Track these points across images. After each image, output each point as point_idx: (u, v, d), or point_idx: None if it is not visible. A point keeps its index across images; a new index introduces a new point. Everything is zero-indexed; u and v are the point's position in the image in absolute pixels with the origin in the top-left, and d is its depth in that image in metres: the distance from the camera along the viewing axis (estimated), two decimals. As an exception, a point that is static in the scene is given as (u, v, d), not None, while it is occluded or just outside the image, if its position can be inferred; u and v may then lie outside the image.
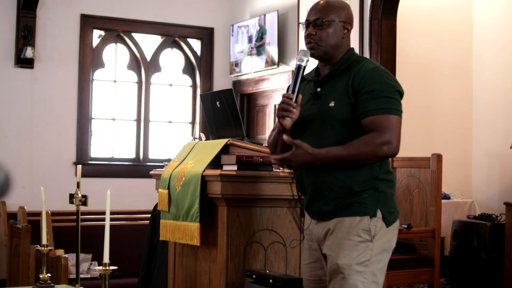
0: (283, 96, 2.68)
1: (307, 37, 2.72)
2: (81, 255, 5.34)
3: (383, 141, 2.56)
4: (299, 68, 2.71)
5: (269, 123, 7.47)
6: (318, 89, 2.71)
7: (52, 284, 3.28)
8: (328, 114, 2.64)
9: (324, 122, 2.65)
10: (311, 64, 2.73)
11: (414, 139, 6.84)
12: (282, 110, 2.66)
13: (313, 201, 2.71)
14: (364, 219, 2.62)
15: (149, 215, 4.63)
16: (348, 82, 2.65)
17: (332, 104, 2.64)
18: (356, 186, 2.61)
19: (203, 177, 3.20)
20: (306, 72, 2.77)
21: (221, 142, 3.34)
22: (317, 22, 2.69)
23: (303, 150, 2.57)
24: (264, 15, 7.28)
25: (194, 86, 8.00)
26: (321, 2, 2.74)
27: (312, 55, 2.73)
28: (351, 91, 2.63)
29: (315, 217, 2.73)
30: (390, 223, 2.66)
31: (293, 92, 2.67)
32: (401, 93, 2.65)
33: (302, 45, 6.84)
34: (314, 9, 2.73)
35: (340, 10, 2.71)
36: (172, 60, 7.93)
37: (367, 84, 2.61)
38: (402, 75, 6.44)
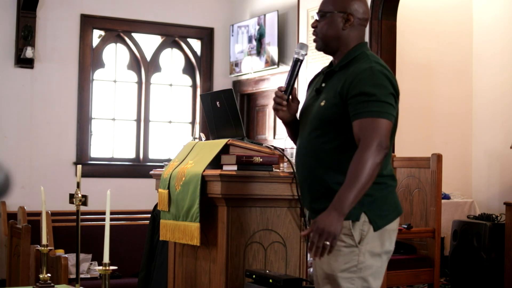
0: (277, 88, 2.71)
1: (313, 30, 2.71)
2: (81, 255, 5.34)
3: (368, 146, 2.43)
4: (295, 61, 2.72)
5: (269, 123, 7.47)
6: (323, 84, 2.66)
7: (52, 284, 3.28)
8: (317, 113, 2.60)
9: (313, 120, 2.61)
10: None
11: (414, 139, 6.84)
12: (275, 103, 2.70)
13: (304, 197, 2.71)
14: (345, 223, 2.49)
15: (149, 215, 4.63)
16: (340, 83, 2.57)
17: (322, 103, 2.59)
18: (337, 187, 2.49)
19: (203, 177, 3.20)
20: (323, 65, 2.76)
21: (221, 142, 3.33)
22: (318, 14, 2.67)
23: (323, 216, 2.39)
24: (264, 15, 7.28)
25: (194, 86, 8.00)
26: None
27: (316, 48, 2.71)
28: (342, 93, 2.55)
29: (311, 215, 2.69)
30: (379, 227, 2.55)
31: (287, 85, 2.69)
32: (395, 95, 2.55)
33: (302, 45, 6.88)
34: (320, 3, 2.71)
35: (340, 1, 2.64)
36: (172, 60, 7.93)
37: (357, 87, 2.51)
38: (402, 75, 6.44)
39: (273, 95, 2.76)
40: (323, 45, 2.67)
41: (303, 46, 2.73)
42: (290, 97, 2.73)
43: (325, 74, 2.68)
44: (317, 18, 2.67)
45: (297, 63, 2.72)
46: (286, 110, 2.71)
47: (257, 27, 7.34)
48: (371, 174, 2.41)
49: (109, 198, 2.48)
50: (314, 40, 2.69)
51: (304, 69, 6.66)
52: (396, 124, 2.59)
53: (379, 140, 2.43)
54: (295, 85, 2.76)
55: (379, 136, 2.44)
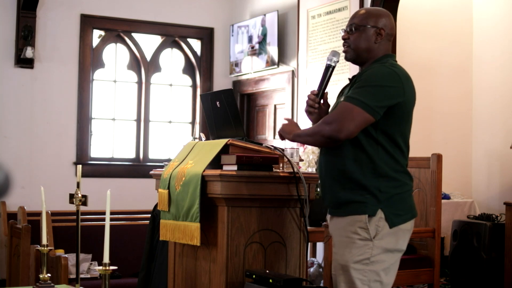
0: (310, 92, 2.97)
1: (343, 41, 2.92)
2: (81, 255, 5.34)
3: (327, 121, 2.74)
4: (327, 67, 2.94)
5: (269, 123, 7.47)
6: (350, 90, 2.87)
7: (52, 284, 3.28)
8: None
9: None
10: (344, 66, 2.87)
11: (414, 139, 6.77)
12: (307, 105, 2.96)
13: (324, 191, 2.89)
14: (362, 217, 2.71)
15: (149, 215, 4.63)
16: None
17: (341, 99, 2.84)
18: (358, 175, 2.72)
19: (203, 177, 3.19)
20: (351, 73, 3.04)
21: (221, 142, 3.33)
22: (350, 27, 2.88)
23: (293, 124, 3.03)
24: (264, 15, 7.28)
25: (194, 86, 8.00)
26: (358, 10, 2.96)
27: (345, 58, 2.93)
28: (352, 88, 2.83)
29: (329, 211, 2.89)
30: (394, 224, 2.72)
31: (319, 89, 2.94)
32: (386, 89, 2.73)
33: (302, 45, 6.88)
34: (351, 16, 2.94)
35: (373, 16, 2.87)
36: (172, 60, 7.93)
37: (359, 78, 2.80)
38: (402, 75, 6.42)
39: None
40: (354, 56, 2.90)
41: (336, 54, 2.96)
42: (322, 101, 2.98)
43: (350, 80, 2.90)
44: (347, 31, 2.89)
45: (328, 69, 2.94)
46: (318, 113, 2.96)
47: (261, 28, 7.33)
48: (311, 138, 2.86)
49: (109, 198, 2.48)
50: (345, 51, 2.91)
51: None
52: (404, 126, 2.87)
53: (334, 119, 2.72)
54: (326, 90, 2.99)
55: (338, 116, 2.72)
